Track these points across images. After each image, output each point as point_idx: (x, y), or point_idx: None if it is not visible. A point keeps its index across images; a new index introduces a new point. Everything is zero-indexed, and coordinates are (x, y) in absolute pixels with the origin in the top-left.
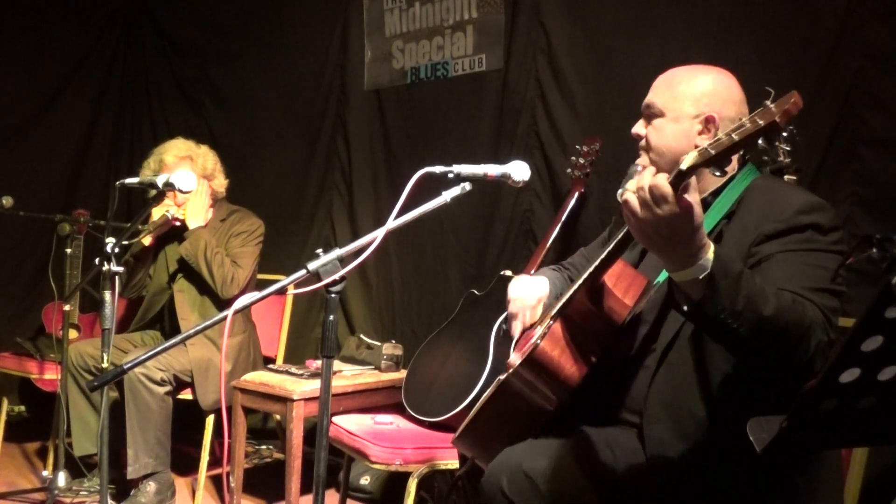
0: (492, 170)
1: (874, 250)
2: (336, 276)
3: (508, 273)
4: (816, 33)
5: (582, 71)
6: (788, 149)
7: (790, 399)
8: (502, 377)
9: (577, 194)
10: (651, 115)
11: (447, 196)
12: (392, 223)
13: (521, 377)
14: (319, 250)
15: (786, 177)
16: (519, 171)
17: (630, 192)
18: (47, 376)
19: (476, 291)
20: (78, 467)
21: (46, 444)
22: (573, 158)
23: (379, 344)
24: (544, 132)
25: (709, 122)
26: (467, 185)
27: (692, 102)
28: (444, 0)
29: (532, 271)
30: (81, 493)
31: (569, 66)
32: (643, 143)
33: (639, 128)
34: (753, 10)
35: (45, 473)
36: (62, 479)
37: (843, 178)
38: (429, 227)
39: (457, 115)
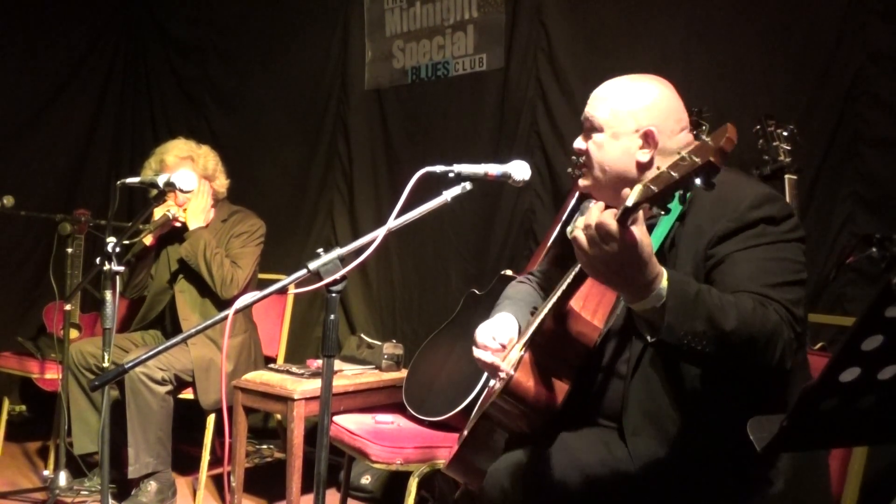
0: (492, 169)
1: (874, 249)
2: (337, 276)
3: (509, 272)
4: (817, 33)
5: (582, 70)
6: (789, 148)
7: (769, 397)
8: (482, 409)
9: (577, 194)
10: (591, 129)
11: (448, 195)
12: (393, 222)
13: (499, 408)
14: (320, 250)
15: (786, 177)
16: (519, 170)
17: (578, 230)
18: (48, 376)
19: (477, 291)
20: (79, 467)
21: (47, 444)
22: (573, 158)
23: (380, 343)
24: (545, 132)
25: (648, 137)
26: (468, 185)
27: (631, 117)
28: (444, 0)
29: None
30: (82, 492)
31: (569, 65)
32: (584, 158)
33: (579, 143)
34: (754, 10)
35: (46, 473)
36: (63, 478)
37: (844, 177)
38: (430, 227)
39: (457, 114)
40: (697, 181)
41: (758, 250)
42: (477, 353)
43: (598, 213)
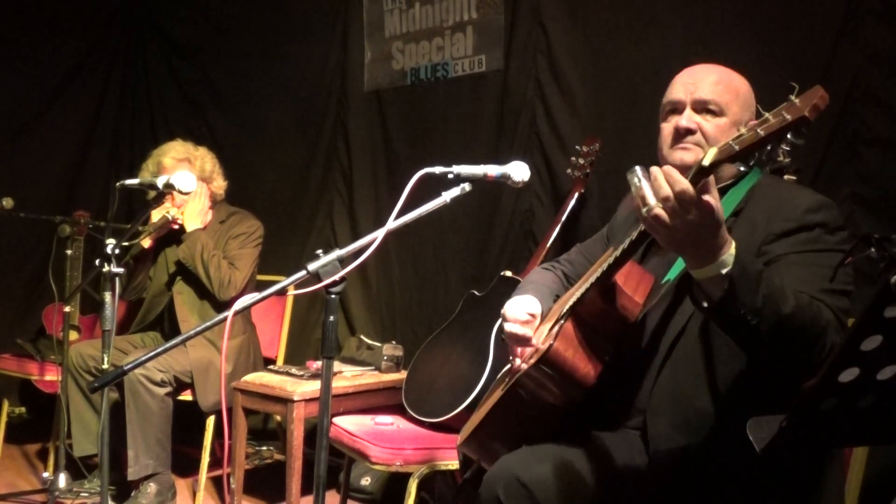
0: (491, 170)
1: (873, 250)
2: (336, 277)
3: (508, 273)
4: (816, 33)
5: (581, 71)
6: (788, 149)
7: (791, 401)
8: (510, 379)
9: (577, 194)
10: (708, 111)
11: (447, 197)
12: (392, 224)
13: (533, 378)
14: (319, 251)
15: (785, 176)
16: (519, 171)
17: (658, 207)
18: (48, 378)
19: (476, 292)
20: (78, 469)
21: (47, 446)
22: (573, 159)
23: (379, 345)
24: (544, 133)
25: None
26: (467, 186)
27: (747, 108)
28: (443, 1)
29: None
30: (82, 494)
31: (568, 66)
32: (697, 137)
33: (690, 122)
34: (753, 10)
35: (45, 475)
36: (63, 480)
37: (844, 178)
38: (429, 228)
39: (457, 115)
40: (789, 136)
41: (813, 256)
42: (508, 326)
43: (665, 183)
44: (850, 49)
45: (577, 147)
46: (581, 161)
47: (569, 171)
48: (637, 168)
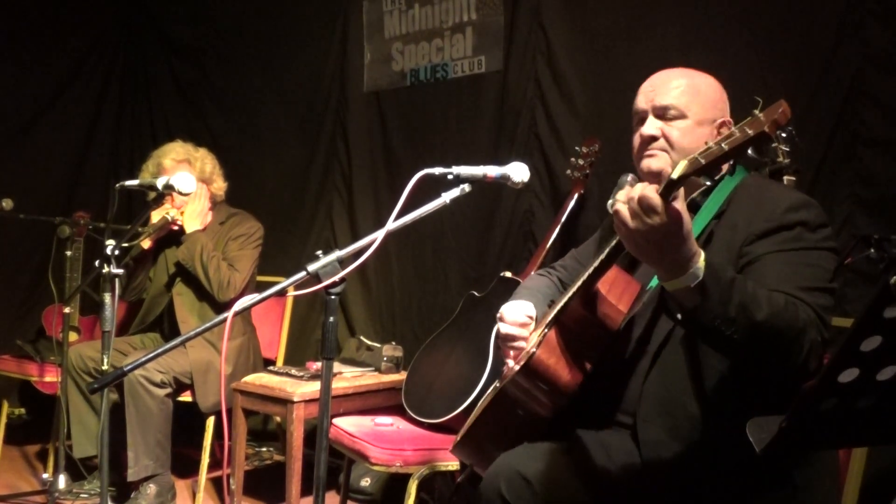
0: (491, 171)
1: (872, 250)
2: (336, 278)
3: (508, 274)
4: (815, 34)
5: (581, 72)
6: (787, 149)
7: (785, 397)
8: (499, 385)
9: (576, 195)
10: (670, 117)
11: (447, 197)
12: (392, 224)
13: (517, 385)
14: (319, 252)
15: (785, 178)
16: (518, 172)
17: (620, 203)
18: (47, 379)
19: (476, 293)
20: (78, 470)
21: (46, 447)
22: (572, 160)
23: (379, 345)
24: (544, 133)
25: (722, 127)
26: (467, 187)
27: (712, 107)
28: (443, 2)
29: (531, 273)
30: (82, 495)
31: (568, 67)
32: (661, 143)
33: (653, 129)
34: (752, 12)
35: (45, 476)
36: (62, 481)
37: (843, 178)
38: (429, 229)
39: (456, 116)
40: (749, 152)
41: (793, 254)
42: (503, 327)
43: (640, 187)
44: (850, 49)
45: (577, 148)
46: (580, 162)
47: (568, 171)
48: (629, 176)
